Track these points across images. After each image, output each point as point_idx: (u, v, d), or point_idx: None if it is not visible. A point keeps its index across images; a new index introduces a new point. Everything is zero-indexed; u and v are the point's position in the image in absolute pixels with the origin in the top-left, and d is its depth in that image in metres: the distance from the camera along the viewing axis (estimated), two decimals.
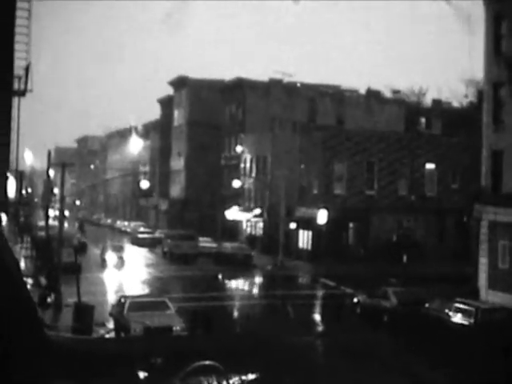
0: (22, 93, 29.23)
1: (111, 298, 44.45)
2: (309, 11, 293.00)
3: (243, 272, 64.36)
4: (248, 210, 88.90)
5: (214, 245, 78.18)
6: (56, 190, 71.32)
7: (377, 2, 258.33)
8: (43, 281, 46.93)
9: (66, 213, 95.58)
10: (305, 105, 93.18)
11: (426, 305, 38.23)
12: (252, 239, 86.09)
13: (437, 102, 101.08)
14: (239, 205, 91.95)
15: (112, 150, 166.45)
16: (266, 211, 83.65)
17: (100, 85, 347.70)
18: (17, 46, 25.68)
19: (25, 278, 35.21)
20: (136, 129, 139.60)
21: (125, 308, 34.10)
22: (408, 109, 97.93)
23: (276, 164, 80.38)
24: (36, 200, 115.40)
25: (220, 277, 61.70)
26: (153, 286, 54.89)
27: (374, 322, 39.09)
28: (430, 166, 76.68)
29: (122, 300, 35.80)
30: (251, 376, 21.56)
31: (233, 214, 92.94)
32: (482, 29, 49.33)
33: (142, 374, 20.65)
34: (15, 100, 30.55)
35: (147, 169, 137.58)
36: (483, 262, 48.01)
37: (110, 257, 69.48)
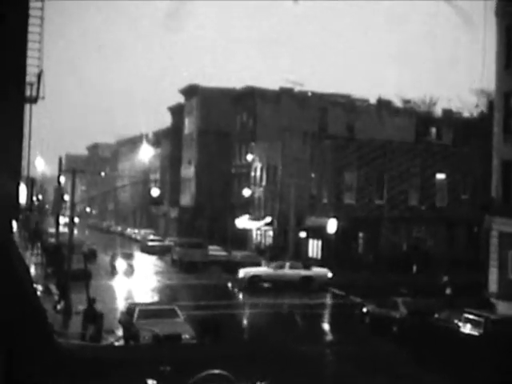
0: (34, 100, 29.34)
1: (120, 306, 44.47)
2: (319, 20, 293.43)
3: None
4: (258, 218, 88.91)
5: (223, 253, 78.14)
6: (67, 197, 71.46)
7: (388, 11, 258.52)
8: (53, 288, 47.00)
9: (76, 220, 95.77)
10: (315, 114, 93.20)
11: (436, 315, 38.12)
12: (261, 248, 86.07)
13: (447, 112, 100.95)
14: (249, 213, 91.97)
15: (123, 158, 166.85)
16: (275, 220, 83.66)
17: (111, 92, 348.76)
18: (29, 53, 25.80)
19: (35, 285, 35.24)
20: (147, 136, 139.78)
21: (134, 315, 34.09)
22: (419, 119, 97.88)
23: (286, 173, 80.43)
24: (47, 207, 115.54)
25: (229, 285, 61.65)
26: (162, 294, 54.90)
27: (383, 331, 39.01)
28: (440, 176, 76.57)
29: (132, 307, 35.81)
30: None
31: (243, 222, 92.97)
32: (493, 39, 49.37)
33: (150, 382, 20.63)
34: (27, 107, 30.67)
35: (158, 177, 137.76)
36: (493, 272, 47.92)
37: (120, 264, 69.55)
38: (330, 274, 60.53)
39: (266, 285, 59.45)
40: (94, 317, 34.56)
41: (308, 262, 63.70)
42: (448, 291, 50.04)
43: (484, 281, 49.33)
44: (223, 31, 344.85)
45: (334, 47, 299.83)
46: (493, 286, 47.73)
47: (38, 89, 28.76)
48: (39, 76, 28.10)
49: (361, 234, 73.40)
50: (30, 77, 27.51)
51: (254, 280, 59.15)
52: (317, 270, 61.19)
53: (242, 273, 60.15)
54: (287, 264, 61.36)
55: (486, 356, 30.44)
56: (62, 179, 54.03)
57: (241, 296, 57.08)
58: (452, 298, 47.03)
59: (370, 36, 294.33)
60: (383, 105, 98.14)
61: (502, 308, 44.95)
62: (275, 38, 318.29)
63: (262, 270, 61.28)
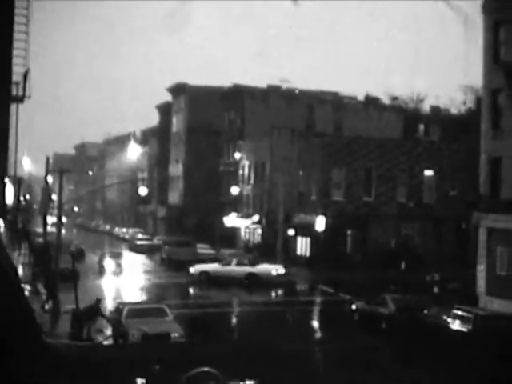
0: (21, 99, 29.27)
1: (109, 305, 44.34)
2: (307, 16, 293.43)
3: None
4: (246, 216, 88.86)
5: (211, 251, 78.20)
6: (54, 197, 71.22)
7: (376, 8, 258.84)
8: (41, 287, 46.81)
9: (64, 219, 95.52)
10: (303, 111, 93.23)
11: (425, 311, 38.18)
12: (250, 246, 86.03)
13: (435, 109, 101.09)
14: (237, 211, 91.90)
15: (110, 157, 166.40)
16: (264, 218, 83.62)
17: (98, 90, 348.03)
18: (15, 53, 25.71)
19: (22, 285, 35.11)
20: (134, 135, 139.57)
21: (123, 315, 34.03)
22: (406, 116, 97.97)
23: (274, 170, 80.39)
24: (34, 206, 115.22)
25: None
26: (151, 293, 54.81)
27: (372, 328, 39.04)
28: (428, 172, 76.62)
29: (120, 307, 35.76)
30: (249, 382, 21.50)
31: (231, 220, 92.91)
32: (480, 35, 49.38)
33: (139, 381, 20.59)
34: (13, 106, 30.58)
35: (145, 175, 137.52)
36: (482, 268, 47.98)
37: (108, 263, 69.37)
38: (275, 272, 60.60)
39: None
40: (96, 315, 34.70)
41: (254, 259, 64.35)
42: (436, 290, 50.16)
43: (472, 277, 49.39)
44: (214, 30, 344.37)
45: (322, 44, 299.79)
46: (481, 283, 47.80)
47: (25, 88, 28.70)
48: (25, 75, 28.04)
49: (349, 231, 73.41)
50: (17, 76, 27.45)
51: (202, 276, 59.85)
52: (262, 267, 61.49)
53: (193, 269, 61.25)
54: (234, 260, 61.92)
55: (474, 352, 30.49)
56: (50, 178, 53.89)
57: (191, 291, 57.71)
58: (439, 296, 47.15)
59: (358, 33, 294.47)
60: (371, 102, 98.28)
61: (491, 304, 45.06)
62: (263, 35, 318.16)
63: (211, 266, 62.13)
